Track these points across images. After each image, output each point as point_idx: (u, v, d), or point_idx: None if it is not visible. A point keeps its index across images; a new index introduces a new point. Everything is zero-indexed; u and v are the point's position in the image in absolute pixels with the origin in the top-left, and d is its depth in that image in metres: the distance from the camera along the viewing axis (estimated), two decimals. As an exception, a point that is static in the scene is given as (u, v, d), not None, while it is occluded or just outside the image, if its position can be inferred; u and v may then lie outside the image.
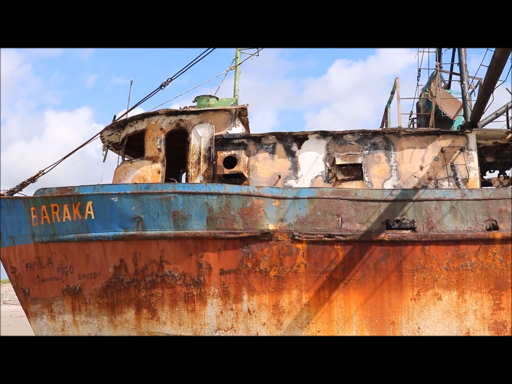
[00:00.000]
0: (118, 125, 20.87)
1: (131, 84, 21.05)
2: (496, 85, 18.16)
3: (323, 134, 19.64)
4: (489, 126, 20.63)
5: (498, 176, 22.02)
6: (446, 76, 26.62)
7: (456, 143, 19.47)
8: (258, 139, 19.69)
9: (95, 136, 20.67)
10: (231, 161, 19.02)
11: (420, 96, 24.71)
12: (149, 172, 19.47)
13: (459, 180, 19.20)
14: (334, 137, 19.61)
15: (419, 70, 26.14)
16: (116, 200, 17.85)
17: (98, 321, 18.23)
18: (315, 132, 19.66)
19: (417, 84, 26.19)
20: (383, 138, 19.60)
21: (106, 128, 21.12)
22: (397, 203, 17.77)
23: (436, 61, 24.80)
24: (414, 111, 25.53)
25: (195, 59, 18.49)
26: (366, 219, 17.63)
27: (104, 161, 21.87)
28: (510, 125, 21.17)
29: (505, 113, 21.35)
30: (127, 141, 20.81)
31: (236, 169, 18.90)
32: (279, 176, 19.38)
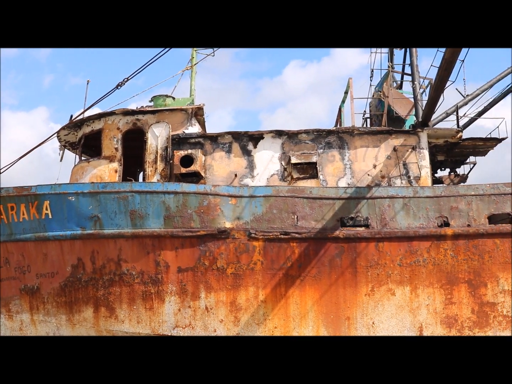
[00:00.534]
0: (75, 124, 20.82)
1: (87, 84, 21.02)
2: (446, 85, 18.47)
3: (279, 133, 19.80)
4: (439, 125, 20.93)
5: (449, 174, 22.49)
6: (398, 77, 27.05)
7: (408, 142, 19.77)
8: (214, 139, 19.78)
9: (52, 135, 20.65)
10: (187, 160, 19.06)
11: (373, 96, 25.02)
12: (106, 171, 19.46)
13: (411, 178, 19.49)
14: (289, 137, 19.79)
15: (372, 71, 26.53)
16: (73, 199, 17.81)
17: (56, 320, 18.17)
18: (271, 132, 19.82)
19: (370, 84, 26.66)
20: (337, 137, 19.81)
21: (63, 128, 21.05)
22: (351, 201, 17.97)
23: (388, 62, 25.24)
24: (367, 110, 25.81)
25: (151, 59, 18.41)
26: (321, 216, 17.79)
27: (61, 160, 21.81)
28: (460, 124, 21.50)
29: (455, 113, 21.70)
30: (84, 140, 20.76)
31: (192, 168, 18.96)
32: (236, 175, 19.49)
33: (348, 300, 17.65)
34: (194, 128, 19.97)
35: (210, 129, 20.88)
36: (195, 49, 21.54)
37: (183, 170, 18.97)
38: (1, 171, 19.56)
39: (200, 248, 17.66)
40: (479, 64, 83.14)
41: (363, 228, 17.89)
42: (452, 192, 18.24)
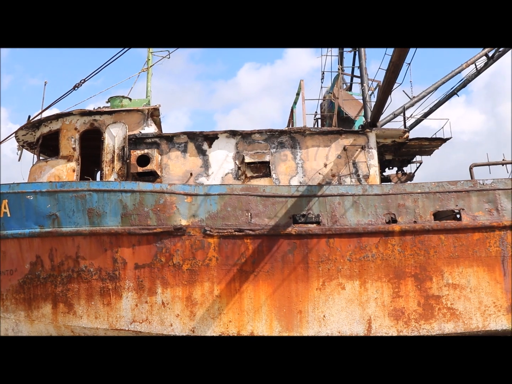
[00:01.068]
0: (33, 125, 20.70)
1: (45, 85, 20.84)
2: (394, 88, 18.57)
3: (233, 133, 19.88)
4: (387, 126, 21.23)
5: (397, 173, 22.75)
6: (348, 79, 27.17)
7: (357, 141, 19.97)
8: (170, 139, 19.80)
9: (10, 136, 20.58)
10: (144, 160, 19.07)
11: (324, 97, 25.16)
12: (64, 170, 19.38)
13: (361, 176, 19.69)
14: (243, 136, 19.89)
15: (323, 73, 26.58)
16: (31, 198, 17.72)
17: (15, 316, 18.05)
18: (225, 132, 19.90)
19: (321, 86, 26.63)
20: (289, 137, 19.94)
21: (21, 128, 20.92)
22: (303, 198, 18.13)
23: (339, 64, 25.44)
24: (319, 111, 25.96)
25: (107, 61, 18.66)
26: (274, 214, 17.94)
27: (19, 160, 21.59)
28: (406, 125, 21.74)
29: (402, 114, 21.93)
30: (42, 140, 20.61)
31: (149, 167, 18.96)
32: (191, 174, 19.52)
33: (300, 294, 17.78)
34: (150, 128, 19.95)
35: (167, 129, 20.94)
36: (151, 51, 21.49)
37: (140, 169, 18.94)
38: (-40, 170, 19.29)
39: (157, 245, 17.69)
40: (425, 67, 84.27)
41: (314, 225, 18.02)
42: (399, 190, 18.48)
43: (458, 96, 24.00)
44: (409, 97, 22.47)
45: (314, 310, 17.72)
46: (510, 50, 22.89)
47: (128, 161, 19.31)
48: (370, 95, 22.39)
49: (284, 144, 19.84)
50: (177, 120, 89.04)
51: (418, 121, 23.98)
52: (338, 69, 24.83)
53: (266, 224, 17.86)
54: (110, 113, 19.90)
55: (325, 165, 19.73)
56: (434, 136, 21.64)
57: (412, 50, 16.45)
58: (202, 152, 19.72)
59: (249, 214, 17.91)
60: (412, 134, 21.58)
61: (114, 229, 17.63)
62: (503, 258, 18.08)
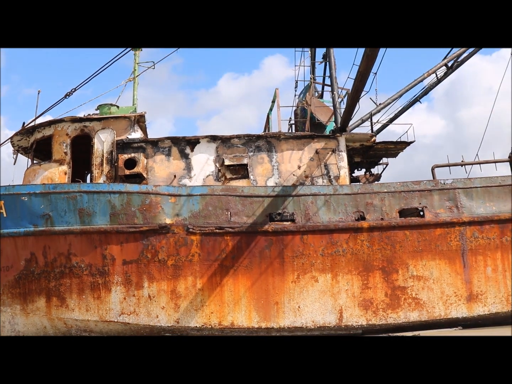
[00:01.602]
0: (27, 131, 20.78)
1: (38, 93, 21.01)
2: (361, 95, 19.17)
3: (213, 138, 20.23)
4: (356, 130, 21.30)
5: (365, 174, 23.14)
6: (319, 87, 27.47)
7: (328, 145, 20.38)
8: (155, 143, 20.10)
9: (6, 141, 20.69)
10: (131, 163, 19.45)
11: (297, 104, 25.40)
12: (56, 173, 19.61)
13: (332, 177, 20.09)
14: (222, 141, 20.24)
15: (296, 82, 26.93)
16: (26, 199, 18.02)
17: (11, 310, 18.34)
18: (206, 137, 20.22)
19: (295, 94, 27.03)
20: (265, 141, 20.34)
21: (16, 134, 21.07)
22: (279, 198, 18.57)
23: (311, 74, 25.50)
24: (292, 117, 26.11)
25: (97, 71, 19.07)
26: (252, 212, 18.36)
27: (14, 164, 21.67)
28: (373, 129, 22.22)
29: (369, 119, 22.26)
30: (35, 145, 20.81)
31: (135, 170, 19.33)
32: (175, 176, 19.87)
33: (276, 287, 18.18)
34: (136, 134, 20.23)
35: (153, 135, 20.95)
36: (137, 62, 21.71)
37: (127, 171, 19.29)
38: (-41, 173, 19.48)
39: (143, 242, 18.05)
40: (390, 76, 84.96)
41: (289, 223, 18.43)
42: (368, 189, 18.94)
43: (421, 102, 24.35)
44: (376, 104, 22.62)
45: (289, 301, 18.15)
46: (467, 61, 23.41)
47: (116, 164, 19.57)
48: (340, 102, 22.70)
49: (261, 148, 20.21)
50: (162, 126, 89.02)
51: (384, 126, 24.33)
52: (310, 78, 25.09)
53: (245, 222, 18.26)
54: (99, 119, 20.12)
55: (299, 167, 20.12)
56: (399, 140, 22.16)
57: (378, 60, 16.65)
58: (185, 156, 20.05)
59: (229, 213, 18.31)
60: (379, 138, 22.25)
61: (103, 227, 18.00)
62: (463, 252, 18.61)
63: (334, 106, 21.91)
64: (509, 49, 22.95)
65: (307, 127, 22.60)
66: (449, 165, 20.72)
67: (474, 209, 18.91)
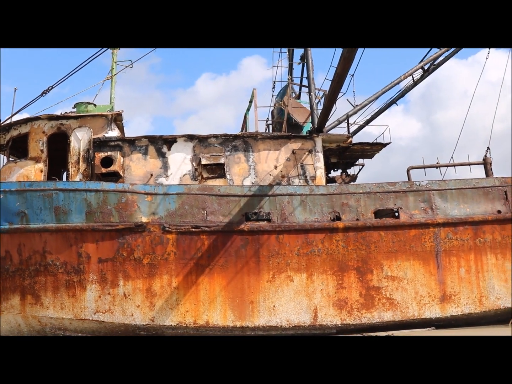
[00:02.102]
0: (3, 128, 20.50)
1: (15, 91, 20.67)
2: (338, 97, 19.01)
3: (190, 137, 20.05)
4: (333, 131, 21.31)
5: (341, 174, 23.03)
6: (296, 88, 27.37)
7: (305, 146, 20.26)
8: (132, 142, 19.89)
9: (-19, 138, 20.33)
10: (107, 161, 19.22)
11: (275, 105, 25.41)
12: (32, 171, 19.31)
13: (308, 177, 19.98)
14: (199, 140, 20.06)
15: (274, 83, 26.89)
16: (1, 196, 17.72)
17: None
18: (183, 136, 20.04)
19: (272, 95, 26.93)
20: (242, 141, 20.18)
21: (-8, 131, 20.69)
22: (255, 198, 18.42)
23: (288, 75, 25.59)
24: (270, 118, 26.12)
25: (74, 69, 18.70)
26: (228, 212, 18.17)
27: (-11, 161, 21.39)
28: (350, 130, 22.18)
29: (346, 121, 22.18)
30: (11, 143, 20.48)
31: (112, 168, 19.09)
32: (151, 175, 19.64)
33: (252, 286, 18.02)
34: (113, 132, 20.00)
35: (130, 134, 21.09)
36: (115, 60, 21.43)
37: (104, 170, 19.04)
38: None
39: (119, 241, 17.81)
40: (367, 78, 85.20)
41: (265, 222, 18.28)
42: (343, 190, 18.82)
43: (397, 105, 24.32)
44: (353, 106, 22.60)
45: (265, 300, 17.99)
46: (443, 64, 23.38)
47: (92, 162, 19.30)
48: (317, 103, 22.75)
49: (237, 148, 20.05)
50: (139, 125, 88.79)
51: (360, 128, 24.18)
52: (288, 79, 25.01)
53: (221, 221, 18.08)
54: (76, 117, 19.86)
55: (276, 167, 19.99)
56: (375, 141, 22.12)
57: (355, 62, 16.57)
58: (161, 155, 19.83)
59: (205, 212, 18.11)
60: (355, 139, 22.05)
61: (79, 225, 17.73)
62: (437, 253, 18.58)
63: (311, 107, 21.91)
64: (484, 54, 22.95)
65: (284, 128, 22.57)
66: (424, 167, 20.77)
67: (448, 210, 18.88)
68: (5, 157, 20.82)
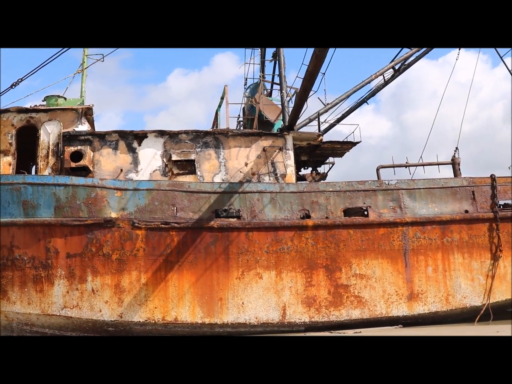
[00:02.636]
0: (-29, 121, 20.06)
1: (-16, 83, 20.28)
2: (309, 95, 19.02)
3: (161, 133, 19.81)
4: (303, 129, 21.26)
5: (311, 172, 23.06)
6: (268, 86, 27.30)
7: (276, 143, 20.16)
8: (102, 136, 19.60)
9: (-52, 130, 19.83)
10: (77, 156, 18.91)
11: (246, 102, 25.21)
12: (1, 164, 19.01)
13: (278, 175, 19.88)
14: (170, 136, 19.83)
15: (246, 80, 26.66)
16: None
17: None
18: (154, 131, 19.81)
19: (244, 92, 26.62)
20: (213, 138, 19.98)
21: (-41, 124, 20.20)
22: (225, 194, 18.26)
23: (260, 72, 25.48)
24: (241, 115, 26.02)
25: (44, 62, 18.42)
26: (198, 208, 17.98)
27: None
28: (321, 129, 22.08)
29: (316, 119, 22.10)
30: (-21, 135, 20.01)
31: (82, 162, 18.80)
32: (121, 170, 19.37)
33: (221, 283, 17.88)
34: (83, 127, 19.70)
35: (101, 128, 20.65)
36: (86, 53, 21.11)
37: (73, 164, 18.76)
38: None
39: (88, 236, 17.54)
40: (338, 77, 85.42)
41: (235, 219, 18.16)
42: (313, 188, 18.75)
43: (368, 104, 24.41)
44: (324, 104, 22.56)
45: (234, 297, 17.86)
46: (414, 64, 23.37)
47: (62, 156, 19.00)
48: (288, 101, 22.65)
49: (208, 144, 19.85)
50: (110, 120, 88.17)
51: (331, 126, 24.22)
52: (260, 76, 25.05)
53: (191, 218, 17.89)
54: (45, 111, 19.53)
55: (246, 164, 19.84)
56: (345, 140, 21.97)
57: (327, 60, 16.52)
58: (132, 150, 19.56)
59: (175, 208, 17.89)
60: (326, 138, 22.03)
61: (48, 220, 17.41)
62: (405, 251, 18.59)
63: (282, 104, 21.87)
64: (455, 54, 22.96)
65: (255, 125, 22.41)
66: (393, 166, 20.79)
67: (416, 209, 18.89)
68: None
